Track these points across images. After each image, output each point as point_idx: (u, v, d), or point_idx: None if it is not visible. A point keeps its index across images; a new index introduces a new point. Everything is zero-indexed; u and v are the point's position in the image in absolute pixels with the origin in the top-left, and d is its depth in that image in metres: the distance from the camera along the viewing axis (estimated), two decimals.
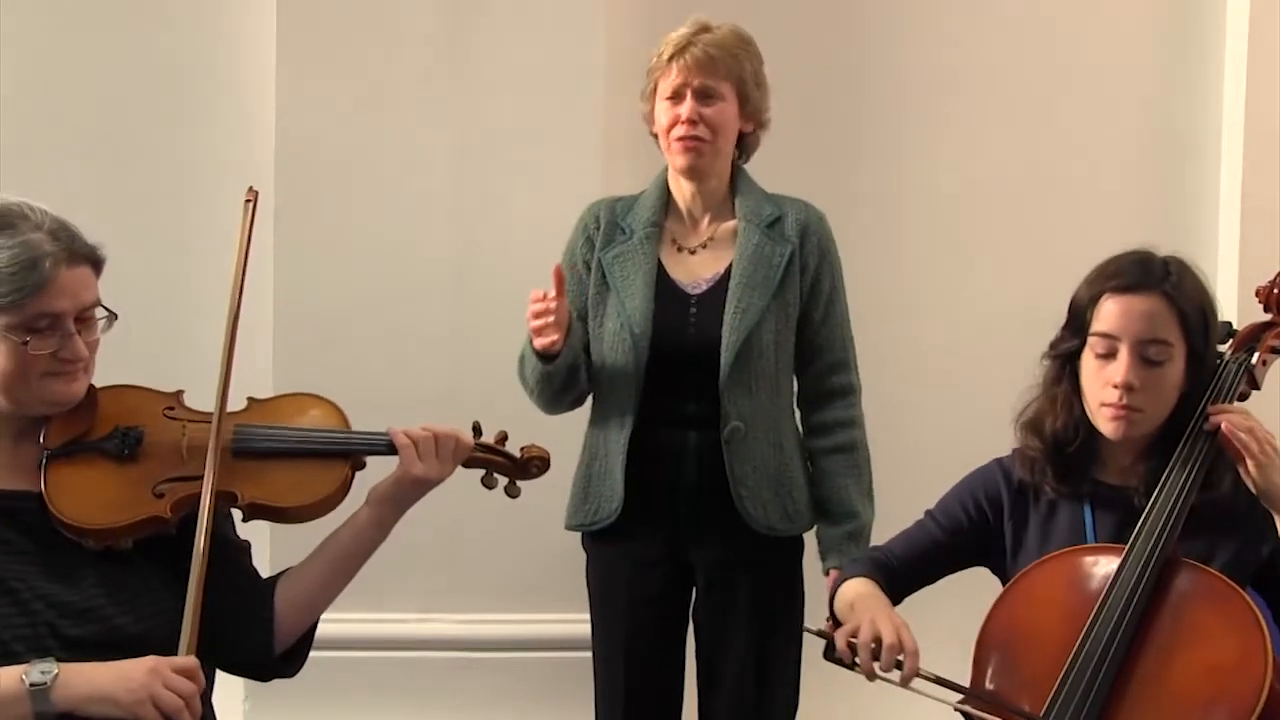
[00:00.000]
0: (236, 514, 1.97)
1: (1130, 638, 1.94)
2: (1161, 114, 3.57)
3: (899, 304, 3.47)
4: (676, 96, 2.54)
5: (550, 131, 3.23)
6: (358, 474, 2.00)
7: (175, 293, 3.33)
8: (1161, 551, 1.98)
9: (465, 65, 3.24)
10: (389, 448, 1.99)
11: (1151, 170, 3.57)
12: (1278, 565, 2.06)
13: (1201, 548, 2.04)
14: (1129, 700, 1.91)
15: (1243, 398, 2.12)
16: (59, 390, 1.87)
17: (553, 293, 2.42)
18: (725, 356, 2.50)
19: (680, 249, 2.62)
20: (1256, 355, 2.14)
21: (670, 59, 2.54)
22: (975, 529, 2.20)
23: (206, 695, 1.86)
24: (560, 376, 2.53)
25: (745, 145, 2.65)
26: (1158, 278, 2.06)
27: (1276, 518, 2.00)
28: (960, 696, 1.98)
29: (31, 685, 1.69)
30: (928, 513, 2.25)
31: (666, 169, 2.64)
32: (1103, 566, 2.02)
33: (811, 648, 2.09)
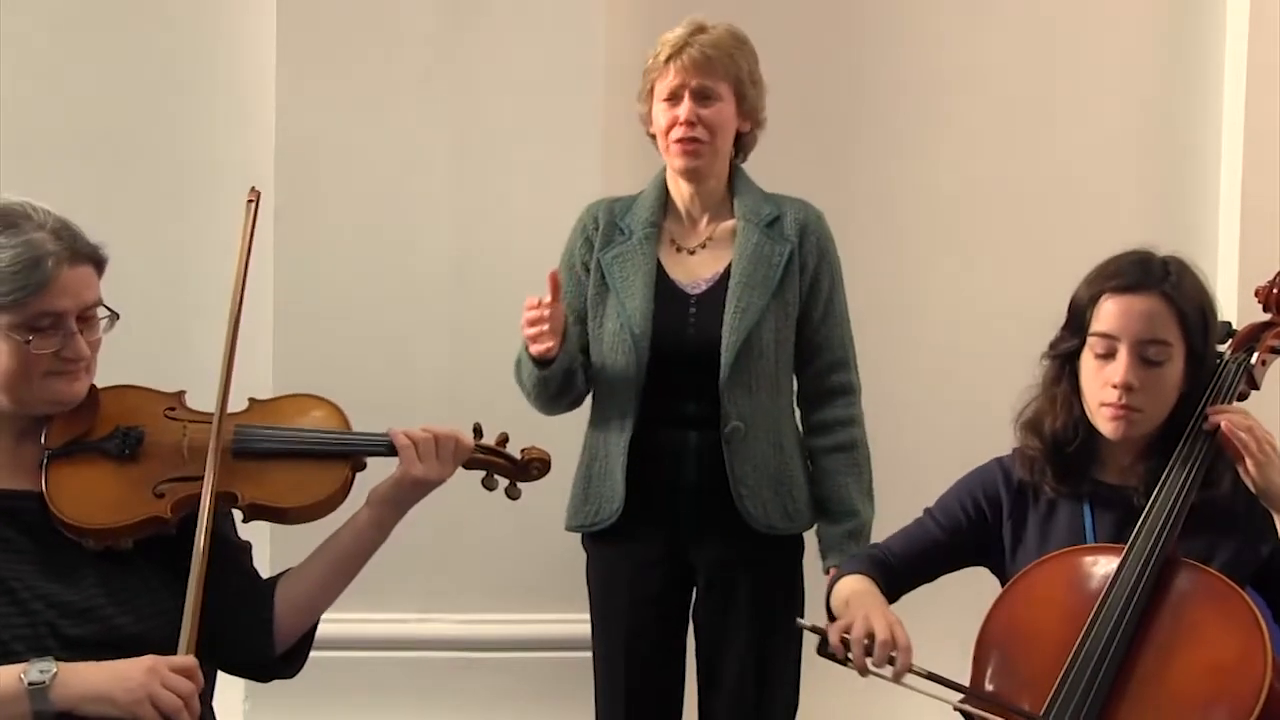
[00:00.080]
0: (237, 514, 1.97)
1: (1130, 637, 1.94)
2: (1161, 114, 3.57)
3: (898, 304, 3.47)
4: (673, 98, 2.54)
5: (550, 131, 3.23)
6: (358, 475, 2.00)
7: (176, 293, 3.33)
8: (1161, 551, 1.98)
9: (465, 65, 3.24)
10: (389, 449, 1.99)
11: (1151, 170, 3.57)
12: (1277, 565, 2.06)
13: (1201, 547, 2.04)
14: (1129, 700, 1.91)
15: (1242, 398, 2.12)
16: (61, 390, 1.87)
17: (548, 298, 2.42)
18: (725, 356, 2.51)
19: (679, 249, 2.62)
20: (1256, 355, 2.14)
21: (666, 60, 2.54)
22: (974, 528, 2.20)
23: (207, 696, 1.87)
24: (556, 381, 2.53)
25: (743, 144, 2.65)
26: (1157, 278, 2.06)
27: (1276, 517, 2.00)
28: (961, 696, 1.98)
29: (30, 684, 1.69)
30: (927, 511, 2.26)
31: (665, 169, 2.64)
32: (1102, 566, 2.02)
33: (810, 646, 2.09)
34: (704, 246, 2.62)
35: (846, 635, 1.97)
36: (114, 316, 1.91)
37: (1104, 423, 2.07)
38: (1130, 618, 1.95)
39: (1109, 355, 2.05)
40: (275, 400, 2.05)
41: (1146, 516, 2.02)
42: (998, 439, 2.24)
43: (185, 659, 1.76)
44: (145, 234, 3.28)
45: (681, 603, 2.63)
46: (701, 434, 2.53)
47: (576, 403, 2.65)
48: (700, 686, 2.64)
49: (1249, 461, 1.97)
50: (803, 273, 2.59)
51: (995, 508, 2.20)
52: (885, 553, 2.22)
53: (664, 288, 2.57)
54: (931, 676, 1.93)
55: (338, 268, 3.24)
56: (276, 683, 2.05)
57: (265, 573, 2.04)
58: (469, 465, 2.05)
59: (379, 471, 2.01)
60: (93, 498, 1.86)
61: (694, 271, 2.60)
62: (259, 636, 1.96)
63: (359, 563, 2.01)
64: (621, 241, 2.60)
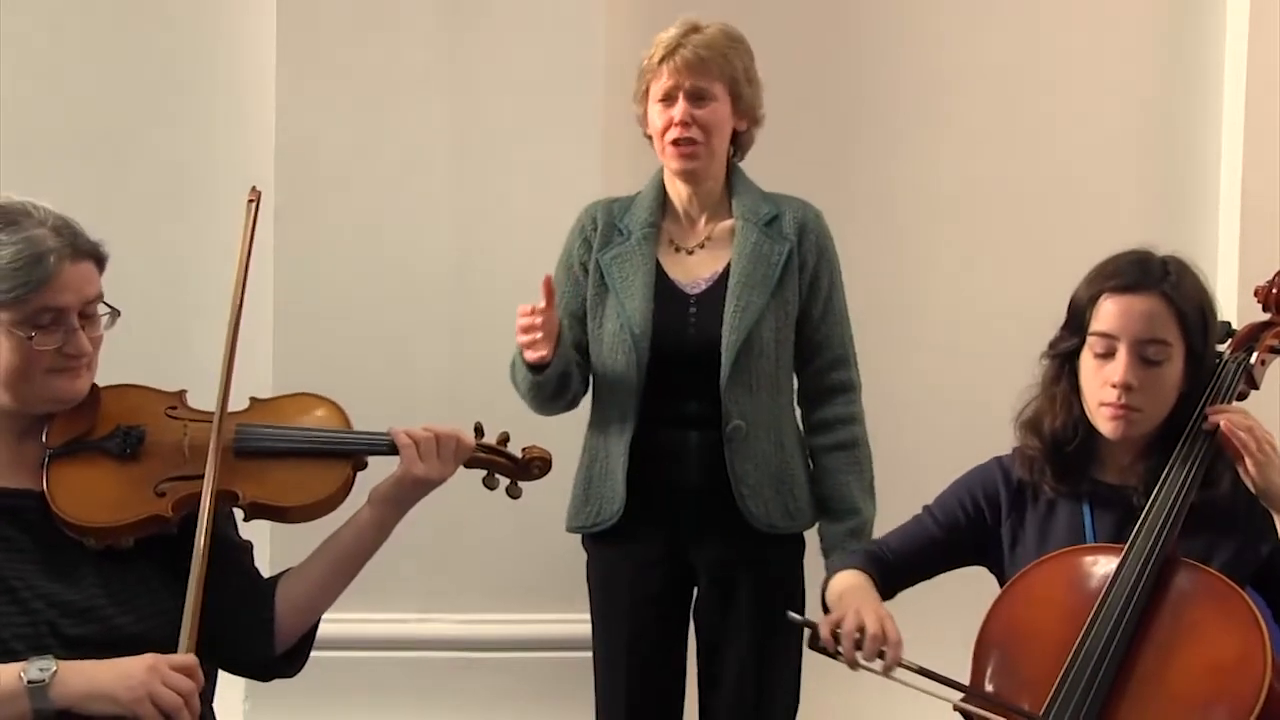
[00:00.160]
0: (238, 514, 1.97)
1: (1130, 637, 1.94)
2: (1161, 114, 3.57)
3: (898, 304, 3.47)
4: (669, 99, 2.54)
5: (550, 131, 3.23)
6: (359, 474, 2.00)
7: (176, 293, 3.33)
8: (1161, 550, 1.98)
9: (465, 65, 3.24)
10: (390, 448, 1.99)
11: (1151, 170, 3.57)
12: (1277, 564, 2.06)
13: (1200, 547, 2.04)
14: (1128, 699, 1.91)
15: (1241, 397, 2.12)
16: (63, 387, 1.87)
17: (542, 303, 2.42)
18: (726, 355, 2.51)
19: (678, 249, 2.62)
20: (1255, 355, 2.14)
21: (661, 61, 2.54)
22: (972, 527, 2.20)
23: (208, 695, 1.87)
24: (551, 385, 2.53)
25: (740, 143, 2.65)
26: (1156, 277, 2.06)
27: (1275, 517, 2.00)
28: (959, 694, 1.98)
29: (30, 683, 1.70)
30: (926, 508, 2.26)
31: (662, 169, 2.64)
32: (1102, 566, 2.02)
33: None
34: (702, 246, 2.62)
35: (838, 629, 1.98)
36: (115, 313, 1.91)
37: (1103, 422, 2.07)
38: (1130, 617, 1.95)
39: (1108, 355, 2.06)
40: (276, 399, 2.05)
41: (1146, 516, 2.02)
42: (998, 439, 2.24)
43: (186, 657, 1.76)
44: (145, 234, 3.28)
45: (682, 603, 2.63)
46: (702, 434, 2.53)
47: (573, 404, 2.65)
48: (700, 686, 2.64)
49: (1249, 461, 1.97)
50: (802, 271, 2.59)
51: (994, 507, 2.20)
52: (883, 549, 2.23)
53: (663, 288, 2.57)
54: (922, 671, 1.94)
55: (338, 268, 3.24)
56: (276, 682, 2.05)
57: (265, 572, 2.04)
58: (470, 464, 2.05)
59: (379, 471, 2.01)
60: (94, 497, 1.86)
61: (693, 271, 2.60)
62: (260, 636, 1.96)
63: (360, 562, 2.01)
64: (620, 242, 2.60)
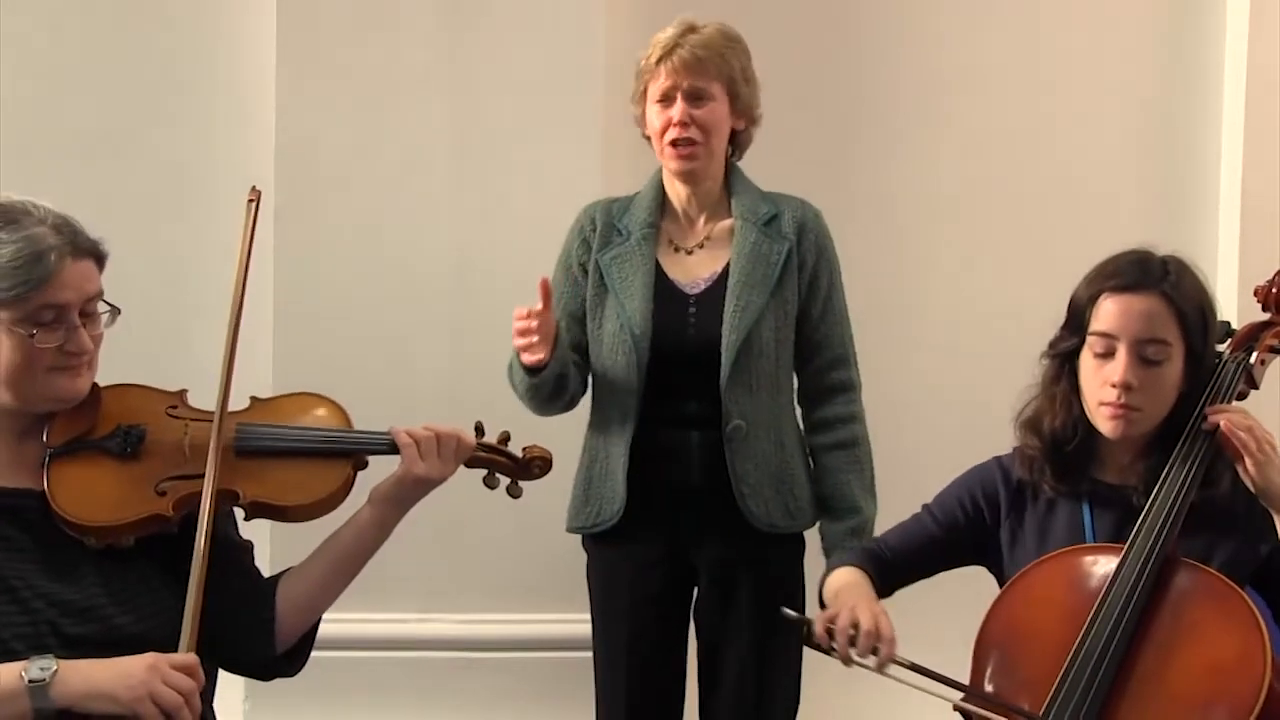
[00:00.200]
0: (238, 513, 1.97)
1: (1130, 636, 1.94)
2: (1161, 114, 3.57)
3: (898, 303, 3.47)
4: (666, 99, 2.54)
5: (550, 131, 3.23)
6: (360, 473, 2.00)
7: (176, 293, 3.33)
8: (1160, 550, 1.98)
9: (465, 65, 3.24)
10: (391, 447, 1.99)
11: (1151, 170, 3.57)
12: (1276, 564, 2.06)
13: (1200, 547, 2.04)
14: (1128, 699, 1.91)
15: (1241, 397, 2.12)
16: (64, 385, 1.88)
17: (538, 305, 2.42)
18: (726, 355, 2.51)
19: (677, 249, 2.62)
20: (1255, 354, 2.14)
21: (658, 62, 2.54)
22: (971, 526, 2.20)
23: (208, 695, 1.87)
24: (548, 386, 2.53)
25: (738, 142, 2.65)
26: (1156, 277, 2.06)
27: (1275, 516, 2.00)
28: (958, 694, 1.98)
29: (30, 682, 1.70)
30: (925, 507, 2.26)
31: (661, 169, 2.64)
32: (1102, 566, 2.02)
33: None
34: (702, 246, 2.62)
35: (832, 625, 1.98)
36: (115, 311, 1.91)
37: (1103, 422, 2.07)
38: (1130, 617, 1.95)
39: (1108, 354, 2.06)
40: (277, 399, 2.05)
41: (1146, 516, 2.02)
42: (998, 439, 2.24)
43: (186, 656, 1.76)
44: (145, 234, 3.28)
45: (682, 603, 2.63)
46: (703, 433, 2.53)
47: (571, 404, 2.65)
48: (701, 686, 2.64)
49: (1248, 461, 1.97)
50: (801, 270, 2.59)
51: (993, 507, 2.20)
52: (881, 547, 2.23)
53: (663, 288, 2.57)
54: (915, 668, 1.94)
55: (338, 268, 3.24)
56: (276, 682, 2.05)
57: (266, 572, 2.04)
58: (470, 464, 2.05)
59: (380, 470, 2.02)
60: (94, 496, 1.86)
61: (692, 271, 2.60)
62: (260, 635, 1.96)
63: (360, 561, 2.01)
64: (620, 242, 2.60)
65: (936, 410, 3.46)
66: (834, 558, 2.49)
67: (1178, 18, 3.55)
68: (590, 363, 2.63)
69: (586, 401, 2.67)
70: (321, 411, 2.04)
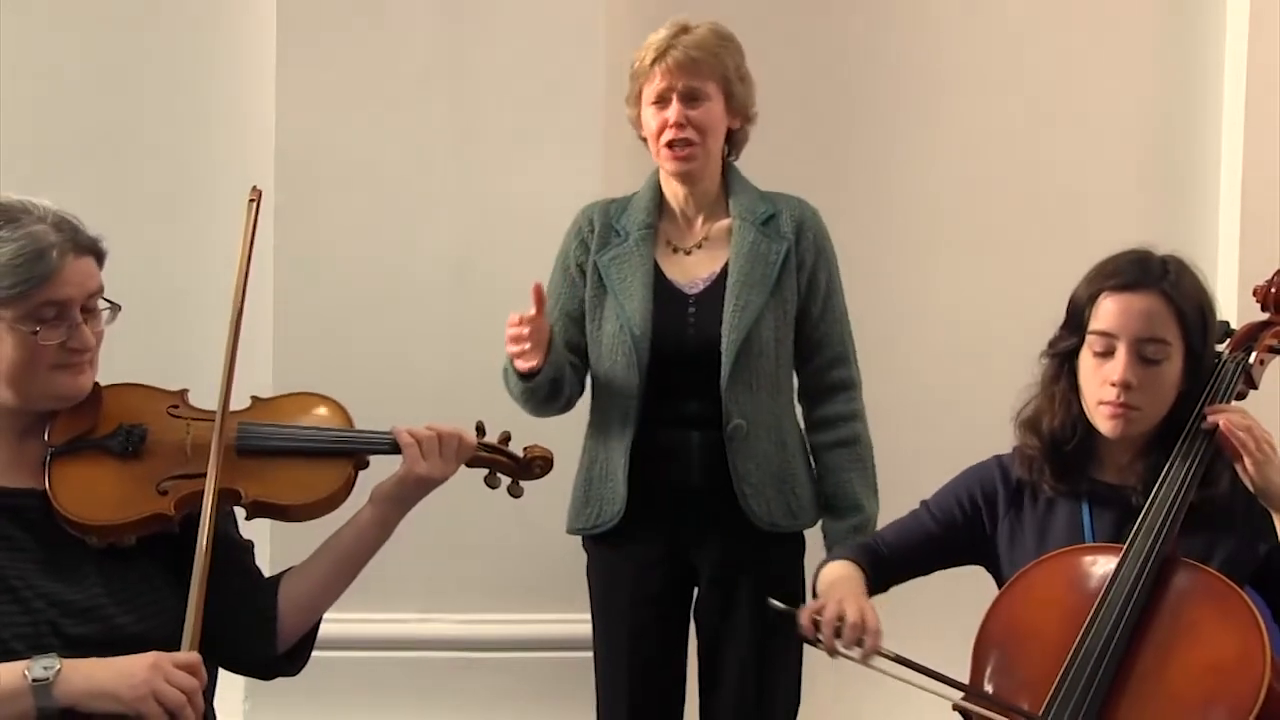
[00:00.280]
0: (240, 512, 1.97)
1: (1129, 636, 1.94)
2: (1161, 114, 3.58)
3: (897, 302, 3.47)
4: (662, 101, 2.55)
5: (550, 131, 3.23)
6: (361, 473, 2.00)
7: (176, 292, 3.33)
8: (1160, 549, 1.98)
9: (465, 65, 3.25)
10: (393, 447, 1.99)
11: (1151, 170, 3.57)
12: (1275, 564, 2.06)
13: (1199, 546, 2.04)
14: (1128, 699, 1.91)
15: (1240, 397, 2.12)
16: (66, 383, 1.88)
17: (531, 311, 2.42)
18: (726, 355, 2.51)
19: (675, 250, 2.62)
20: (1254, 354, 2.14)
21: (652, 63, 2.54)
22: (969, 524, 2.20)
23: (208, 694, 1.87)
24: (543, 391, 2.53)
25: (734, 141, 2.65)
26: (1156, 276, 2.06)
27: (1274, 516, 2.00)
28: (961, 695, 1.98)
29: (34, 681, 1.70)
30: (923, 504, 2.26)
31: (658, 170, 2.64)
32: (1101, 566, 2.02)
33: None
34: (700, 246, 2.62)
35: (818, 617, 1.99)
36: (115, 308, 1.92)
37: (1102, 421, 2.08)
38: (1129, 616, 1.95)
39: (1108, 353, 2.06)
40: (278, 398, 2.05)
41: (1145, 515, 2.02)
42: (997, 438, 2.24)
43: (189, 655, 1.76)
44: (145, 234, 3.28)
45: (682, 603, 2.63)
46: (703, 433, 2.53)
47: (568, 406, 2.65)
48: (701, 687, 2.64)
49: (1247, 460, 1.97)
50: (800, 270, 2.59)
51: (991, 506, 2.20)
52: (877, 542, 2.24)
53: (662, 288, 2.57)
54: (900, 660, 1.95)
55: (338, 268, 3.24)
56: (277, 682, 2.05)
57: (266, 572, 2.04)
58: (471, 463, 2.06)
59: (381, 470, 2.02)
60: (96, 495, 1.86)
61: (691, 272, 2.60)
62: (262, 635, 1.96)
63: (361, 561, 2.01)
64: (618, 243, 2.60)
65: (936, 409, 3.46)
66: (831, 551, 2.49)
67: (1178, 18, 3.55)
68: (589, 364, 2.63)
69: (586, 402, 2.67)
70: (323, 411, 2.04)
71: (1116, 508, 2.11)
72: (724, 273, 2.57)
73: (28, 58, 3.34)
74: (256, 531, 2.04)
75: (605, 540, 2.61)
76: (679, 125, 2.52)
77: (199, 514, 1.84)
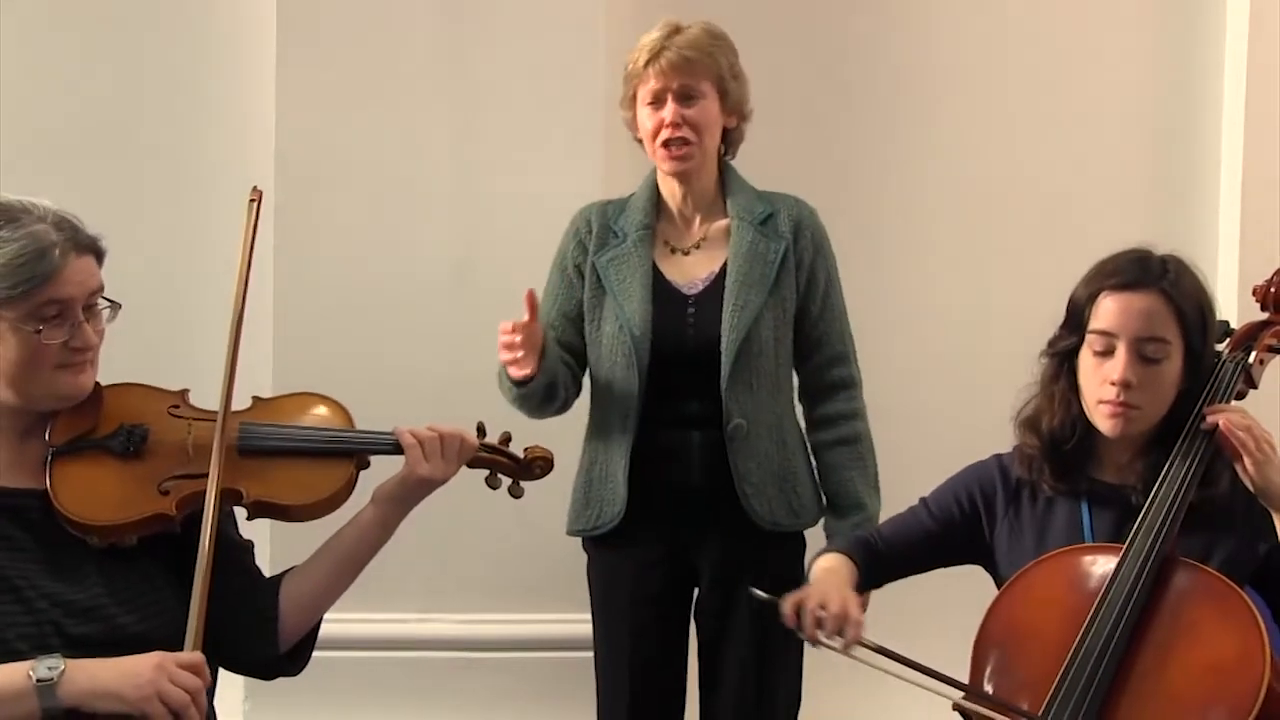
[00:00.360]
0: (241, 512, 1.97)
1: (1129, 636, 1.94)
2: (1161, 114, 3.58)
3: (897, 302, 3.47)
4: (657, 101, 2.55)
5: (550, 131, 3.23)
6: (361, 473, 2.00)
7: (176, 292, 3.33)
8: (1160, 549, 1.98)
9: (465, 65, 3.25)
10: (395, 447, 2.00)
11: (1151, 170, 3.58)
12: (1275, 564, 2.06)
13: (1199, 546, 2.04)
14: (1128, 699, 1.91)
15: (1240, 396, 2.12)
16: (68, 382, 1.88)
17: (524, 318, 2.41)
18: (726, 355, 2.51)
19: (673, 250, 2.62)
20: (1254, 354, 2.14)
21: (646, 65, 2.54)
22: (967, 522, 2.20)
23: (208, 694, 1.86)
24: (537, 396, 2.53)
25: (730, 140, 2.65)
26: (1156, 275, 2.06)
27: (1274, 516, 2.00)
28: (961, 694, 1.98)
29: (39, 681, 1.70)
30: (922, 500, 2.26)
31: (655, 170, 2.64)
32: (1101, 565, 2.02)
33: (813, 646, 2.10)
34: (698, 246, 2.62)
35: (800, 606, 2.00)
36: (116, 306, 1.92)
37: (1102, 420, 2.08)
38: (1129, 616, 1.95)
39: (1107, 353, 2.06)
40: (279, 398, 2.06)
41: (1145, 515, 2.02)
42: (997, 438, 2.24)
43: (193, 655, 1.77)
44: (145, 234, 3.28)
45: (683, 602, 2.63)
46: (704, 433, 2.53)
47: (564, 408, 2.64)
48: (702, 686, 2.64)
49: (1247, 460, 1.97)
50: (799, 269, 2.59)
51: (990, 504, 2.20)
52: (874, 537, 2.24)
53: (661, 289, 2.57)
54: (881, 650, 1.96)
55: (338, 268, 3.25)
56: (277, 682, 2.05)
57: (266, 572, 2.04)
58: (472, 464, 2.06)
59: (381, 470, 2.02)
60: (97, 495, 1.86)
61: (689, 272, 2.60)
62: (263, 635, 1.96)
63: (363, 561, 2.01)
64: (616, 245, 2.60)
65: (935, 409, 3.45)
66: (828, 543, 2.49)
67: (1178, 18, 3.55)
68: (587, 365, 2.63)
69: (585, 403, 2.67)
70: (324, 411, 2.05)
71: (1116, 507, 2.11)
72: (722, 273, 2.57)
73: (28, 58, 3.34)
74: (256, 531, 2.05)
75: (606, 541, 2.60)
76: (675, 124, 2.53)
77: (200, 514, 1.84)
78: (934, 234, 3.55)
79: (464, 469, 2.05)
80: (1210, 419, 2.03)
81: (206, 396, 1.99)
